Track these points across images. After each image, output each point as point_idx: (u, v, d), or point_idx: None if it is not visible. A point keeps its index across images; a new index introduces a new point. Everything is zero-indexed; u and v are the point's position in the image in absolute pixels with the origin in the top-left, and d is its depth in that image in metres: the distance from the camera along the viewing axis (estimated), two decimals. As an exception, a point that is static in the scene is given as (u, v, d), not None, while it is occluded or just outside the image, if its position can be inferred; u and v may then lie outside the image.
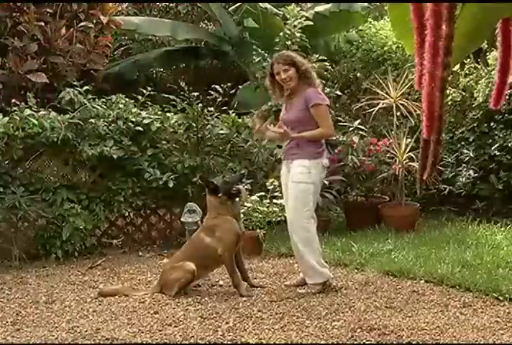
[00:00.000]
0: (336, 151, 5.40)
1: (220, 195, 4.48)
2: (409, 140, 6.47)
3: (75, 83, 6.04)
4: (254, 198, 5.78)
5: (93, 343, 3.56)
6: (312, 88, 4.44)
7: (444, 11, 1.15)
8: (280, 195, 5.91)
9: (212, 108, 6.36)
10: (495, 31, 1.46)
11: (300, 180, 4.35)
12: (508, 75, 1.42)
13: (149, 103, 6.29)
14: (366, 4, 7.66)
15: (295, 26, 7.18)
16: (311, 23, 7.30)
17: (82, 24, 6.77)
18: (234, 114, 6.60)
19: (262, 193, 5.89)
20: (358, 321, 3.74)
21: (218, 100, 6.42)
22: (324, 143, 4.52)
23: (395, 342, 3.42)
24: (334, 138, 6.02)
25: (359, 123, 6.71)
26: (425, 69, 1.18)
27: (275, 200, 5.81)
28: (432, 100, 1.18)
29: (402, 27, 1.39)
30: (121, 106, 6.09)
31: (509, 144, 6.56)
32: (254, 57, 7.02)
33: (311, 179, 4.36)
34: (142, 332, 3.68)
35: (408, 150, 6.37)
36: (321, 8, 7.69)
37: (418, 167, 1.35)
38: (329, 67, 7.13)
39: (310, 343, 3.44)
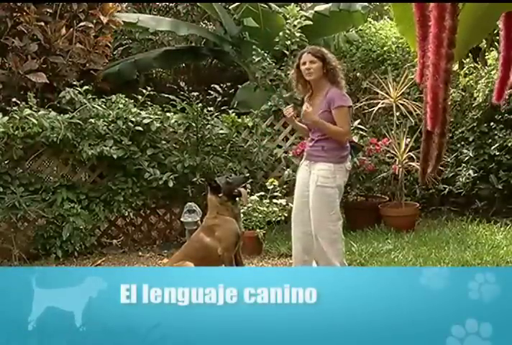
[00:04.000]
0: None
1: (221, 194, 4.49)
2: (409, 140, 6.46)
3: (75, 82, 6.05)
4: (254, 197, 5.78)
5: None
6: (335, 88, 4.38)
7: (447, 3, 1.15)
8: (280, 194, 5.93)
9: (212, 108, 6.37)
10: (495, 28, 1.46)
11: (326, 184, 4.29)
12: (511, 68, 1.41)
13: (149, 103, 6.29)
14: (366, 4, 7.65)
15: (294, 25, 7.17)
16: (311, 23, 7.30)
17: (82, 24, 6.76)
18: (233, 114, 6.60)
19: (262, 193, 5.89)
20: (358, 321, 3.74)
21: (218, 100, 6.43)
22: (349, 146, 4.45)
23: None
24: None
25: (358, 123, 6.71)
26: (428, 61, 1.18)
27: (275, 200, 5.81)
28: (436, 91, 1.18)
29: (406, 22, 1.39)
30: (120, 105, 6.09)
31: (509, 144, 6.56)
32: (254, 56, 7.02)
33: (336, 183, 4.31)
34: (142, 332, 3.68)
35: (407, 150, 6.37)
36: (321, 7, 7.67)
37: (420, 160, 1.34)
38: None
39: None
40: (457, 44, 1.17)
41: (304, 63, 4.41)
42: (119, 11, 7.39)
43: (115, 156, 5.83)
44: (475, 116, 6.89)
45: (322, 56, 4.39)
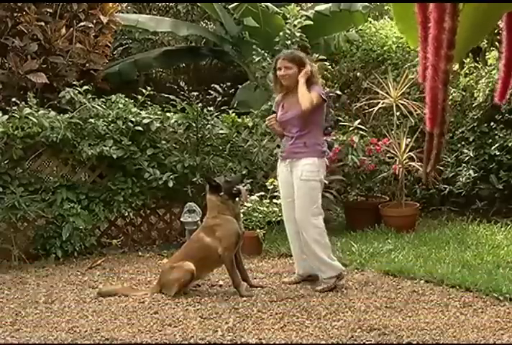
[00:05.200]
0: (332, 150, 5.40)
1: (221, 194, 4.48)
2: (409, 140, 6.45)
3: (74, 82, 6.04)
4: (254, 197, 5.77)
5: (92, 343, 3.55)
6: (316, 85, 4.50)
7: (447, 4, 1.15)
8: (280, 194, 5.92)
9: (212, 108, 6.35)
10: (495, 28, 1.46)
11: (310, 177, 4.41)
12: None
13: (148, 102, 6.28)
14: (367, 3, 7.65)
15: (295, 25, 7.16)
16: (311, 22, 7.29)
17: (82, 23, 6.76)
18: (233, 114, 6.59)
19: (262, 193, 5.88)
20: (358, 321, 3.74)
21: (218, 99, 6.41)
22: (326, 143, 4.60)
23: (395, 342, 3.41)
24: (332, 139, 6.03)
25: (359, 123, 6.70)
26: (428, 62, 1.18)
27: (274, 200, 5.79)
28: (435, 92, 1.18)
29: (405, 21, 1.38)
30: (120, 105, 6.08)
31: (509, 144, 6.55)
32: (254, 56, 7.00)
33: (319, 176, 4.45)
34: (142, 332, 3.68)
35: (408, 150, 6.36)
36: (322, 7, 7.67)
37: (423, 160, 1.34)
38: (329, 67, 7.12)
39: (310, 344, 3.44)
40: (457, 45, 1.17)
41: (280, 69, 4.48)
42: (119, 11, 7.37)
43: (115, 156, 5.82)
44: (476, 116, 6.89)
45: (297, 62, 4.47)
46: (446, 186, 6.78)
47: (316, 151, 4.45)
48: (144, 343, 3.52)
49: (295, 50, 4.74)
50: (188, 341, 3.52)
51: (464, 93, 7.07)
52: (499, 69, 1.39)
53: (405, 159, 6.37)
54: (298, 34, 7.11)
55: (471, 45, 1.51)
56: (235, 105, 7.57)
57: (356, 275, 4.85)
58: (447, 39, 1.16)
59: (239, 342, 3.48)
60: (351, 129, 6.68)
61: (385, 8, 8.84)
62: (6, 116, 5.54)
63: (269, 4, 7.55)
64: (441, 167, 6.66)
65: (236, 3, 7.55)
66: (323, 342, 3.44)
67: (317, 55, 6.79)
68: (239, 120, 6.61)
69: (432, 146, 1.27)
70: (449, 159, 6.79)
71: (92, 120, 5.84)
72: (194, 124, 6.25)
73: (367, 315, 3.85)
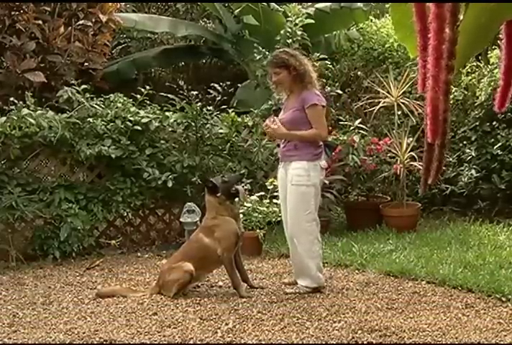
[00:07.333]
0: (333, 153, 5.36)
1: (219, 194, 4.44)
2: (410, 139, 6.42)
3: (73, 81, 6.01)
4: (254, 197, 5.73)
5: (90, 344, 3.51)
6: (307, 90, 4.35)
7: (446, 14, 1.13)
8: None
9: (211, 107, 6.32)
10: (498, 33, 1.44)
11: (300, 182, 4.30)
12: None
13: (147, 102, 6.25)
14: (367, 1, 7.63)
15: (296, 24, 7.12)
16: (312, 21, 7.25)
17: (80, 22, 6.73)
18: (233, 113, 6.55)
19: (262, 193, 5.85)
20: (359, 322, 3.70)
21: (218, 99, 6.38)
22: (322, 144, 4.45)
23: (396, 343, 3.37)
24: (332, 138, 5.98)
25: (359, 123, 6.65)
26: (428, 72, 1.16)
27: (274, 200, 5.75)
28: (436, 104, 1.17)
29: (405, 30, 1.38)
30: (119, 105, 6.05)
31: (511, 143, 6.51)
32: (255, 54, 6.96)
33: (311, 181, 4.31)
34: (141, 333, 3.64)
35: (409, 149, 6.31)
36: (322, 5, 7.64)
37: (422, 170, 1.32)
38: (330, 66, 7.08)
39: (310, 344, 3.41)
40: (457, 54, 1.15)
41: (271, 75, 4.45)
42: (117, 9, 7.33)
43: (113, 155, 5.78)
44: (478, 115, 6.85)
45: (283, 64, 4.36)
46: (447, 186, 6.74)
47: (306, 154, 4.32)
48: (143, 344, 3.49)
49: (279, 51, 4.61)
50: (187, 343, 3.48)
51: (466, 92, 7.04)
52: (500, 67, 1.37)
53: (406, 159, 6.33)
54: (299, 33, 7.06)
55: (472, 54, 1.50)
56: (235, 104, 7.53)
57: (357, 276, 4.81)
58: (447, 50, 1.14)
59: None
60: (351, 128, 6.63)
61: (387, 6, 8.81)
62: (4, 117, 5.51)
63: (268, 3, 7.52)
64: (443, 167, 6.61)
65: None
66: (323, 343, 3.41)
67: (318, 54, 6.76)
68: (239, 119, 6.56)
69: (432, 157, 1.25)
70: (450, 159, 6.75)
71: (90, 119, 5.81)
72: (193, 124, 6.22)
73: (368, 316, 3.81)
